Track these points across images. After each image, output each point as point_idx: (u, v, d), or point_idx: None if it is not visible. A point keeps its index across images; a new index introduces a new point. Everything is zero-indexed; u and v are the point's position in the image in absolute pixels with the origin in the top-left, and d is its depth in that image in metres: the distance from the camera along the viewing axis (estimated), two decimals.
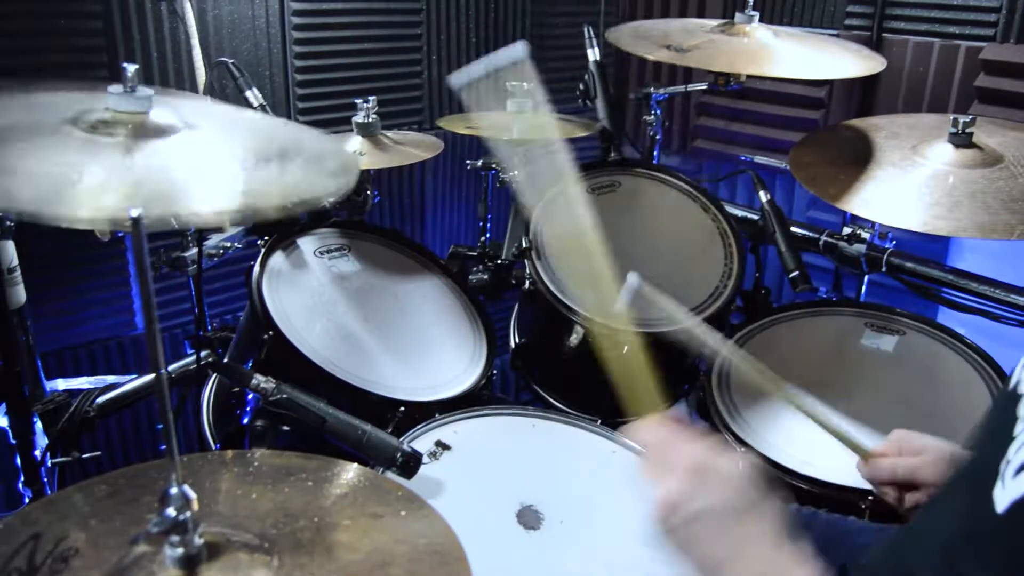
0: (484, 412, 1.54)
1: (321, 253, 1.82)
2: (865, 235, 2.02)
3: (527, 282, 1.83)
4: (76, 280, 2.14)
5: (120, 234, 1.82)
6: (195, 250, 1.80)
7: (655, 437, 0.98)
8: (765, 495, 0.90)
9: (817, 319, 1.89)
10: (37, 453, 1.61)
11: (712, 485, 0.89)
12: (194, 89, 2.14)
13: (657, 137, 2.31)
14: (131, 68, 1.13)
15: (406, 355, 1.71)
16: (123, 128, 1.07)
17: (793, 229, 2.10)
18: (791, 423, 1.64)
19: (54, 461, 1.63)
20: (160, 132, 1.10)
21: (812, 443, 1.59)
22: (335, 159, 1.15)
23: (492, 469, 1.42)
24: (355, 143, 1.93)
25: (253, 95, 1.88)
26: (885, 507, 1.21)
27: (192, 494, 0.82)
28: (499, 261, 2.00)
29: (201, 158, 1.09)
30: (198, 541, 0.83)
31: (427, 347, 1.76)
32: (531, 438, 1.52)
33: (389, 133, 2.01)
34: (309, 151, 1.15)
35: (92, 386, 1.78)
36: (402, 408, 1.56)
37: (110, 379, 1.85)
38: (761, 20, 1.98)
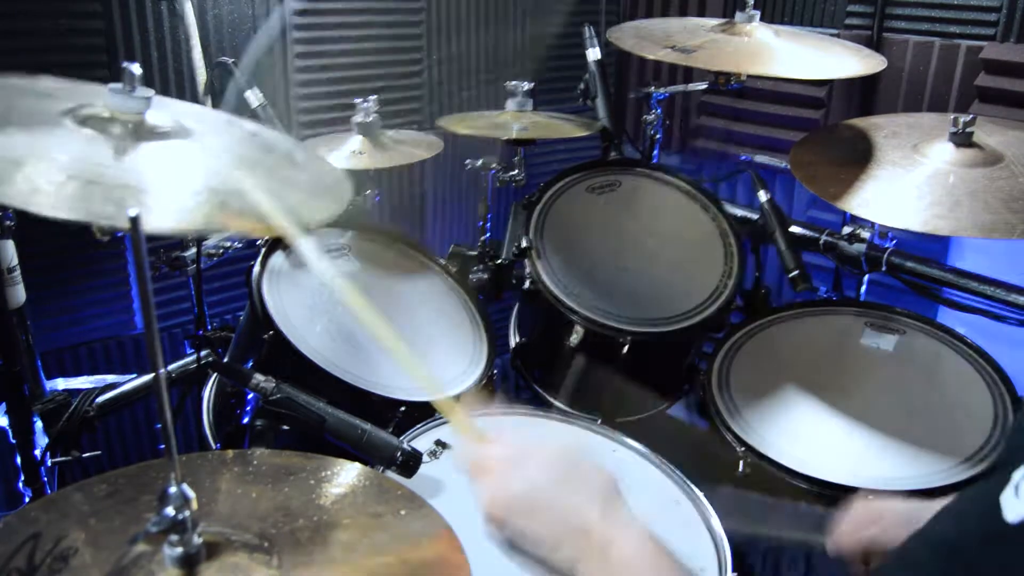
0: (484, 411, 1.54)
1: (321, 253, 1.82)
2: (865, 234, 2.01)
3: (527, 282, 1.82)
4: (76, 280, 2.14)
5: (119, 234, 1.82)
6: (195, 250, 1.80)
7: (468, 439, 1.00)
8: (583, 465, 0.93)
9: (817, 318, 1.89)
10: (37, 452, 1.61)
11: (526, 466, 0.92)
12: (194, 89, 2.14)
13: (657, 136, 2.31)
14: (133, 67, 1.12)
15: None
16: (118, 126, 1.07)
17: (793, 228, 2.10)
18: (791, 423, 1.64)
19: (54, 460, 1.63)
20: (154, 135, 1.10)
21: (812, 443, 1.59)
22: (326, 183, 1.13)
23: None
24: (355, 143, 1.94)
25: (253, 95, 1.88)
26: None
27: (191, 493, 0.82)
28: (499, 261, 2.00)
29: (181, 166, 1.08)
30: (197, 540, 0.83)
31: (427, 347, 1.76)
32: (530, 437, 1.52)
33: (389, 133, 2.01)
34: (301, 174, 1.13)
35: (92, 386, 1.78)
36: (402, 408, 1.56)
37: (110, 379, 1.85)
38: (761, 20, 1.98)
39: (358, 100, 1.95)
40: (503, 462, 0.94)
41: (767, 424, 1.63)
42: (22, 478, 1.61)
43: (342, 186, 1.12)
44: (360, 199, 2.03)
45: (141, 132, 1.08)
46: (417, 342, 1.76)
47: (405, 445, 1.29)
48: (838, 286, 2.17)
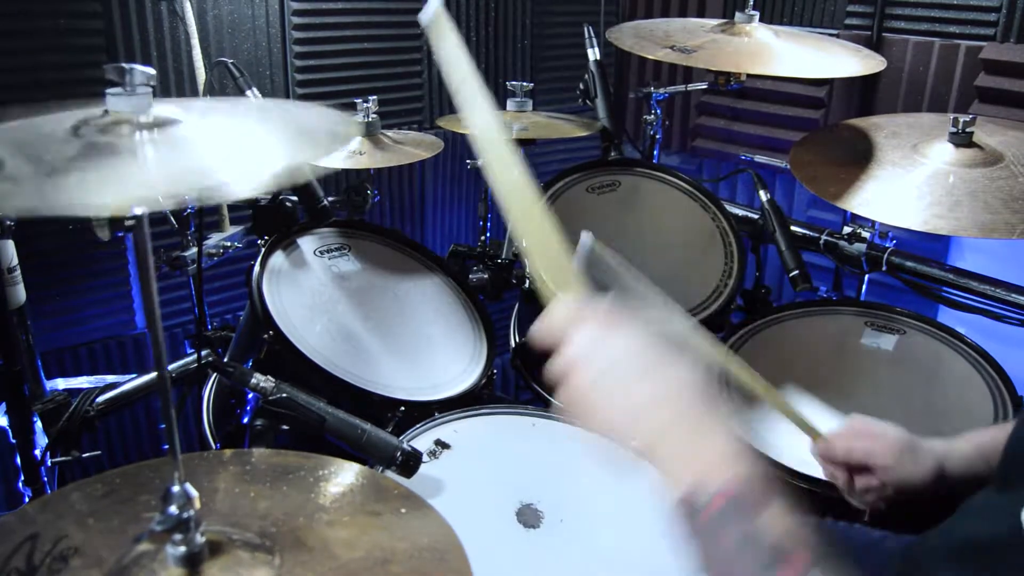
0: (484, 411, 1.54)
1: (321, 253, 1.82)
2: (865, 234, 2.02)
3: (527, 281, 1.82)
4: (76, 280, 2.14)
5: (120, 233, 1.82)
6: (195, 249, 1.80)
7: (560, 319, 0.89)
8: (674, 358, 0.82)
9: (817, 318, 1.89)
10: (37, 452, 1.61)
11: (613, 345, 0.83)
12: (194, 89, 2.14)
13: (657, 136, 2.31)
14: (135, 68, 1.11)
15: (406, 354, 1.71)
16: (127, 125, 1.06)
17: (793, 228, 2.10)
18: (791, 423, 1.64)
19: (54, 460, 1.63)
20: (165, 123, 1.09)
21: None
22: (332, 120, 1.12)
23: (492, 468, 1.42)
24: (355, 143, 1.93)
25: (253, 95, 1.88)
26: (884, 508, 1.20)
27: (194, 492, 0.82)
28: (499, 260, 2.00)
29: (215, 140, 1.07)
30: (200, 539, 0.83)
31: (427, 346, 1.76)
32: (531, 437, 1.52)
33: (389, 132, 2.01)
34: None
35: (92, 385, 1.78)
36: (402, 407, 1.56)
37: (110, 378, 1.85)
38: (761, 20, 1.98)
39: (358, 100, 1.95)
40: (590, 334, 0.86)
41: (767, 424, 1.63)
42: (22, 478, 1.61)
43: (345, 120, 1.11)
44: (360, 199, 2.03)
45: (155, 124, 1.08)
46: (417, 342, 1.76)
47: (405, 445, 1.30)
48: (838, 286, 2.17)
